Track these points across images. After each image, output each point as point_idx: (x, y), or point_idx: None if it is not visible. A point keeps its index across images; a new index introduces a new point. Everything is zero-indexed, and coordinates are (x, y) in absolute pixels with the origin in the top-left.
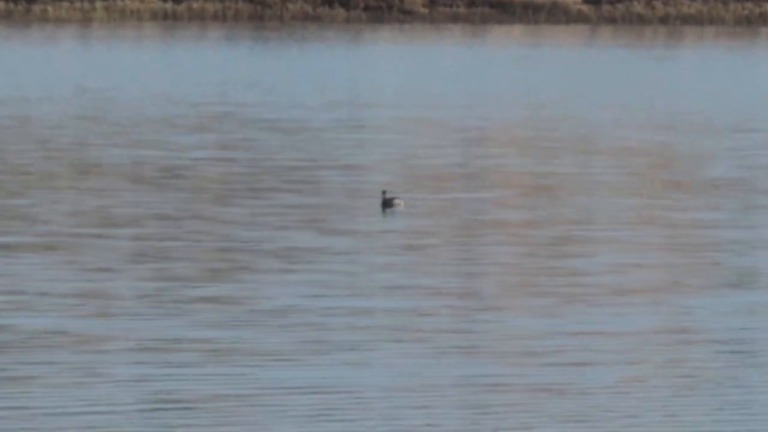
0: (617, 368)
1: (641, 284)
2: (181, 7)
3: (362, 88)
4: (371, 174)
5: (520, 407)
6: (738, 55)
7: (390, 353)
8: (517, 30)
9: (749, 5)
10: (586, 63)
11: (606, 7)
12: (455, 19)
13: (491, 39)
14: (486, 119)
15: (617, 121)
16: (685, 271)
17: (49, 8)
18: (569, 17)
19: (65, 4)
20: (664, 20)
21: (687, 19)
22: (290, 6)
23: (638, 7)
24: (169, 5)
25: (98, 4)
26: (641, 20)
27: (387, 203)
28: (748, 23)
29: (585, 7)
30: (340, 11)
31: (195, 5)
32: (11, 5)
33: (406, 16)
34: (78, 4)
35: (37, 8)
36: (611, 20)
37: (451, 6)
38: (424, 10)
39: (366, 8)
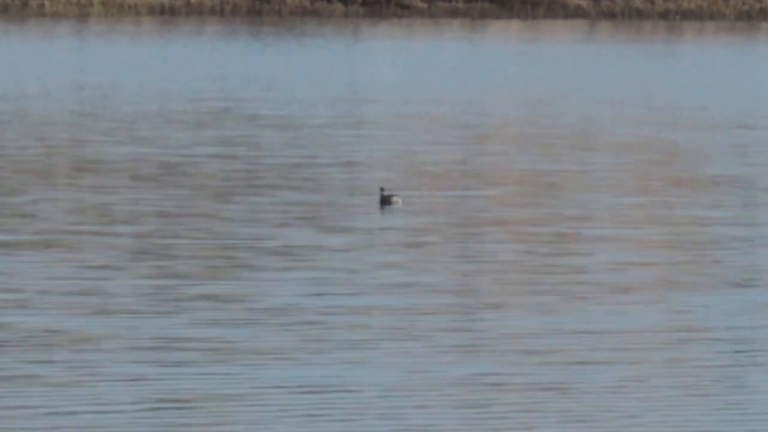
0: (617, 367)
1: (642, 282)
2: (179, 2)
3: (361, 84)
4: (370, 171)
5: (520, 406)
6: (738, 51)
7: (389, 352)
8: (515, 25)
9: (749, 0)
10: (585, 58)
11: (605, 2)
12: (454, 14)
13: (490, 34)
14: (485, 115)
15: (617, 117)
16: (686, 269)
17: (46, 3)
18: (568, 12)
19: None
20: (663, 15)
21: (687, 15)
22: (288, 1)
23: (637, 2)
24: (166, 0)
25: None
26: (640, 15)
27: (385, 200)
28: (749, 18)
29: (584, 2)
30: (339, 6)
31: (192, 0)
32: (8, 0)
33: (405, 11)
34: None
35: (34, 3)
36: (610, 15)
37: (449, 1)
38: (423, 5)
39: (364, 3)
